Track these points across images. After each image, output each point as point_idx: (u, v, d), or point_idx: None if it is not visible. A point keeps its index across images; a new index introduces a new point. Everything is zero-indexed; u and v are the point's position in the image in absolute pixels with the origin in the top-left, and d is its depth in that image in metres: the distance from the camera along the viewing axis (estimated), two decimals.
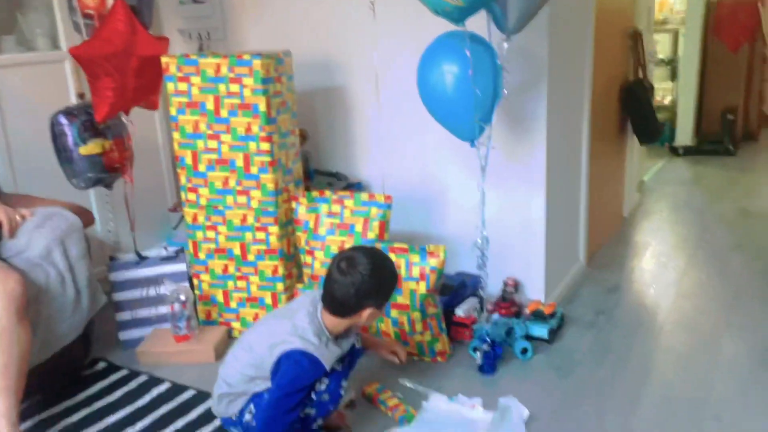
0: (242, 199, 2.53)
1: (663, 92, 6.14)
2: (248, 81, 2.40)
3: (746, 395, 2.12)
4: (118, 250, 2.96)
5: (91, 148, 2.54)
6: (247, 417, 1.86)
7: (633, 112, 3.75)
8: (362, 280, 1.74)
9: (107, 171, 2.63)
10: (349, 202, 2.49)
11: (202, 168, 2.53)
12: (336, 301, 1.78)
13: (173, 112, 2.50)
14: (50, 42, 2.92)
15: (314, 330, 1.76)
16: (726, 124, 5.56)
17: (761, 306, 2.76)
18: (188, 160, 2.54)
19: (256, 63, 2.38)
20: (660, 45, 6.17)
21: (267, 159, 2.47)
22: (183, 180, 2.57)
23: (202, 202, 2.57)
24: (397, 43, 2.66)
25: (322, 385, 1.80)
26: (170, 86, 2.48)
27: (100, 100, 2.47)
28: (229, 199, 2.54)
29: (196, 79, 2.45)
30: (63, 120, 2.51)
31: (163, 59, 2.48)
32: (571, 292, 2.96)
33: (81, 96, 2.94)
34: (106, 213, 2.93)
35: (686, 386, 2.20)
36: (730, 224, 3.82)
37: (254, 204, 2.52)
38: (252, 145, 2.47)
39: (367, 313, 1.79)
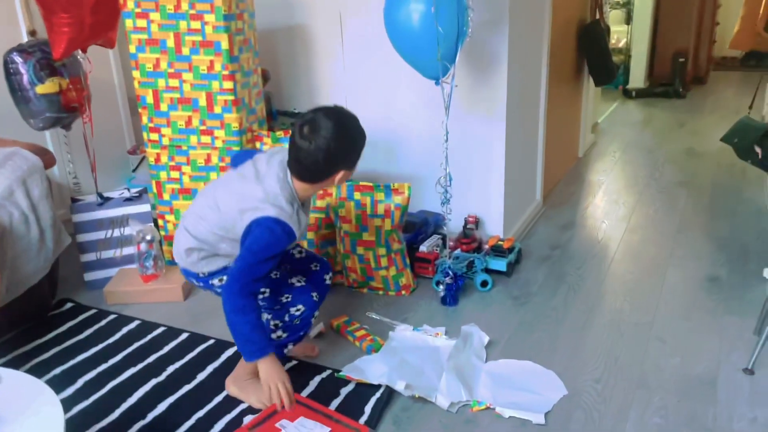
0: (206, 138, 2.53)
1: (618, 35, 6.24)
2: (210, 18, 2.36)
3: (688, 319, 2.29)
4: (78, 192, 2.93)
5: (48, 86, 2.48)
6: (215, 282, 1.84)
7: (589, 52, 3.82)
8: (329, 144, 1.63)
9: (65, 111, 2.58)
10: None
11: (164, 107, 2.50)
12: (305, 169, 1.69)
13: (132, 49, 2.45)
14: None
15: (286, 196, 1.68)
16: (677, 66, 5.71)
17: (703, 237, 2.94)
18: (149, 99, 2.50)
19: None
20: None
21: (230, 98, 2.46)
22: (144, 120, 2.54)
23: (165, 141, 2.55)
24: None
25: (296, 311, 1.87)
26: (128, 23, 2.42)
27: (57, 36, 2.40)
28: (193, 138, 2.54)
29: (155, 16, 2.40)
30: (17, 58, 2.44)
31: None
32: (528, 228, 3.08)
33: (32, 33, 2.85)
34: (64, 155, 2.88)
35: (633, 312, 2.35)
36: (678, 163, 3.99)
37: (218, 144, 2.52)
38: (215, 84, 2.45)
39: (339, 176, 1.71)
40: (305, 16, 2.91)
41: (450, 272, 2.41)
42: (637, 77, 5.87)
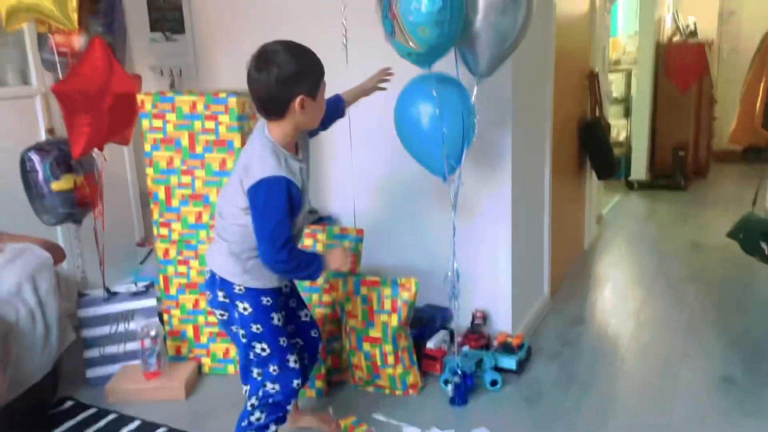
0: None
1: (618, 129, 6.39)
2: (224, 118, 2.45)
3: (705, 423, 2.22)
4: (85, 286, 2.93)
5: (63, 183, 2.54)
6: (239, 307, 1.83)
7: (591, 149, 3.91)
8: (280, 68, 1.63)
9: (78, 206, 2.62)
10: (321, 236, 2.53)
11: (175, 203, 2.55)
12: (267, 104, 1.69)
13: (147, 148, 2.53)
14: (20, 78, 2.92)
15: (268, 151, 1.70)
16: (677, 160, 5.82)
17: (714, 334, 2.89)
18: (161, 195, 2.55)
19: (232, 101, 2.43)
20: (614, 84, 6.44)
21: None
22: (156, 215, 2.58)
23: (174, 236, 2.58)
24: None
25: (272, 389, 1.89)
26: (145, 123, 2.51)
27: (77, 136, 2.48)
28: (202, 233, 2.57)
29: (171, 116, 2.48)
30: (34, 156, 2.51)
31: (139, 96, 2.51)
32: (537, 323, 3.05)
33: (51, 132, 2.94)
34: (73, 248, 2.91)
35: (648, 413, 2.28)
36: (684, 257, 3.99)
37: None
38: (225, 180, 2.49)
39: (298, 103, 1.67)
40: None
41: (458, 371, 2.36)
42: (639, 169, 5.97)
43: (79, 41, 2.49)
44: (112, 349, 2.63)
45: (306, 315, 2.10)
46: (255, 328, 1.84)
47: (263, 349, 1.87)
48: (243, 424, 1.89)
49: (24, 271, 2.25)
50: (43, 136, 2.93)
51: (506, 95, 2.58)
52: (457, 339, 2.64)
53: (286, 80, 1.66)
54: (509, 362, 2.55)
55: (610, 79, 5.30)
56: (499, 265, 2.74)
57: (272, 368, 1.88)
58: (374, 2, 2.07)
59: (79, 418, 2.38)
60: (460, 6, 1.93)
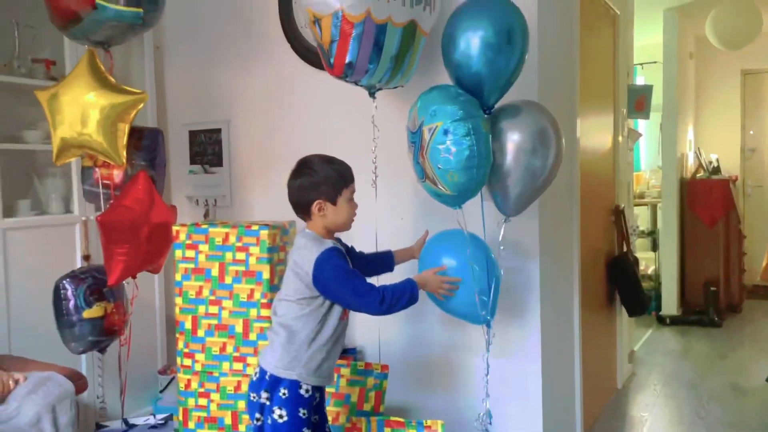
0: (238, 365, 2.52)
1: (646, 261, 6.35)
2: (254, 250, 2.50)
3: None
4: (104, 417, 2.87)
5: (95, 311, 2.57)
6: (281, 392, 1.90)
7: (620, 285, 3.87)
8: (303, 177, 1.94)
9: (106, 334, 2.63)
10: (345, 371, 2.48)
11: (200, 333, 2.54)
12: (293, 205, 1.98)
13: (178, 277, 2.57)
14: (63, 206, 3.05)
15: (311, 238, 1.94)
16: (709, 295, 5.70)
17: None
18: (188, 325, 2.56)
19: (263, 233, 2.49)
20: (640, 217, 6.48)
21: (267, 325, 2.49)
22: (180, 345, 2.57)
23: (197, 367, 2.55)
24: (396, 226, 2.80)
25: None
26: (178, 253, 2.57)
27: (114, 264, 2.54)
28: (225, 365, 2.53)
29: (204, 247, 2.54)
30: (69, 285, 2.55)
31: (174, 227, 2.59)
32: None
33: (86, 258, 3.02)
34: (95, 377, 2.88)
35: None
36: (723, 401, 3.79)
37: (249, 371, 2.51)
38: (253, 311, 2.51)
39: (316, 206, 1.92)
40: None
41: None
42: (670, 304, 5.85)
43: (120, 174, 2.62)
44: None
45: (328, 429, 2.09)
46: None
47: None
48: None
49: (45, 401, 2.22)
50: (78, 262, 3.00)
51: (533, 234, 2.60)
52: None
53: (307, 187, 1.95)
54: None
55: (635, 212, 5.35)
56: (529, 406, 2.63)
57: None
58: (406, 147, 2.17)
59: None
60: (488, 153, 2.00)
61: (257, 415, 1.94)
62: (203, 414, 2.55)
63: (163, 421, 2.64)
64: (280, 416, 1.88)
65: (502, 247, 2.23)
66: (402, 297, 1.93)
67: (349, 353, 2.94)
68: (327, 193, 1.94)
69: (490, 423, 2.25)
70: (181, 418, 2.58)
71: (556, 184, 2.82)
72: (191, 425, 2.56)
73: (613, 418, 3.55)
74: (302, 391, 1.90)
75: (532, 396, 2.61)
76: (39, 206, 3.02)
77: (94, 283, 2.64)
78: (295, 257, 1.95)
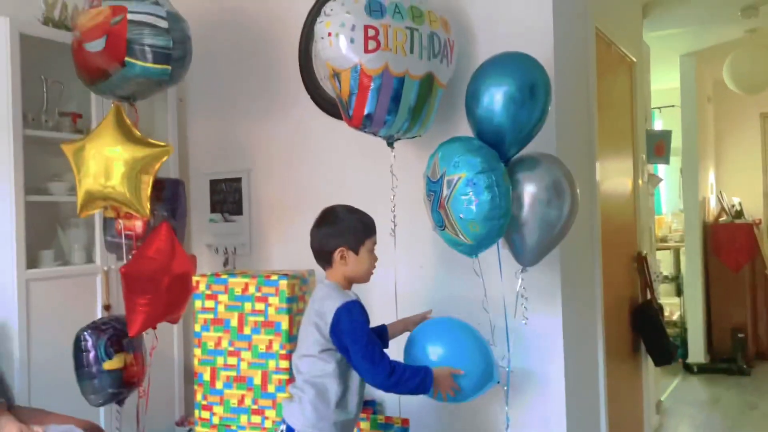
0: (257, 418, 2.49)
1: (671, 307, 6.23)
2: (273, 300, 2.49)
3: None
4: None
5: (115, 362, 2.55)
6: None
7: (645, 334, 3.79)
8: (328, 224, 1.99)
9: (125, 386, 2.61)
10: (365, 425, 2.44)
11: (219, 385, 2.52)
12: (315, 252, 2.00)
13: (197, 328, 2.56)
14: (85, 256, 3.08)
15: (334, 288, 1.96)
16: (737, 342, 5.56)
17: None
18: (206, 377, 2.54)
19: (283, 283, 2.49)
20: (663, 262, 6.39)
21: (285, 377, 2.46)
22: (199, 397, 2.55)
23: (215, 420, 2.52)
24: (415, 274, 2.79)
25: None
26: (197, 303, 2.57)
27: (136, 315, 2.55)
28: (243, 418, 2.50)
29: (223, 297, 2.54)
30: (90, 336, 2.55)
31: (195, 278, 2.59)
32: None
33: (107, 308, 3.02)
34: (113, 429, 2.85)
35: None
36: None
37: (268, 424, 2.47)
38: (271, 363, 2.49)
39: (338, 253, 1.94)
40: (362, 293, 3.02)
41: None
42: (697, 351, 5.70)
43: (138, 225, 2.64)
44: None
45: None
46: None
47: None
48: None
49: None
50: (99, 312, 3.01)
51: (554, 280, 2.57)
52: None
53: (331, 234, 1.98)
54: None
55: (658, 257, 5.28)
56: None
57: None
58: (423, 195, 2.17)
59: None
60: (508, 205, 2.01)
61: None
62: None
63: None
64: None
65: (524, 297, 2.20)
66: (412, 379, 1.90)
67: (369, 406, 2.89)
68: (350, 241, 1.97)
69: None
70: None
71: (576, 232, 2.81)
72: None
73: None
74: None
75: None
76: (62, 257, 3.05)
77: (115, 335, 2.62)
78: (316, 307, 1.95)
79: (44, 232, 3.07)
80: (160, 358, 3.19)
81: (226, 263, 3.43)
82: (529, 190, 2.06)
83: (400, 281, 2.79)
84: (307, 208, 3.19)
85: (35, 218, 2.91)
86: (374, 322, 2.93)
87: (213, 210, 3.48)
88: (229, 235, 3.42)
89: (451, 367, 1.96)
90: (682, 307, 6.08)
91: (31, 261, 2.84)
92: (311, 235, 2.02)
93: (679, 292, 6.27)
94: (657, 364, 3.92)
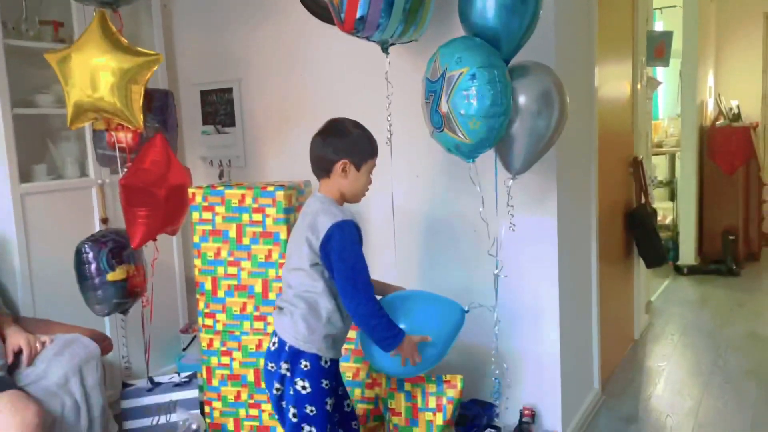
0: (259, 324, 2.55)
1: (664, 212, 6.30)
2: (271, 211, 2.50)
3: None
4: (130, 374, 2.94)
5: (118, 273, 2.59)
6: (298, 384, 1.87)
7: (638, 237, 3.84)
8: (334, 134, 1.92)
9: (129, 296, 2.66)
10: None
11: (221, 294, 2.57)
12: (315, 160, 1.95)
13: (196, 239, 2.58)
14: (79, 170, 3.05)
15: (329, 202, 1.90)
16: (727, 244, 5.66)
17: None
18: (208, 286, 2.58)
19: (279, 194, 2.48)
20: (658, 167, 6.40)
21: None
22: (201, 305, 2.60)
23: (219, 327, 2.59)
24: (412, 183, 2.79)
25: None
26: (195, 215, 2.57)
27: (136, 227, 2.56)
28: (246, 324, 2.57)
29: (220, 209, 2.54)
30: (91, 248, 2.57)
31: (190, 189, 2.59)
32: (588, 421, 2.91)
33: (104, 221, 3.03)
34: (119, 338, 2.94)
35: None
36: (742, 349, 3.80)
37: (270, 329, 2.54)
38: (271, 272, 2.53)
39: (341, 165, 1.89)
40: (359, 207, 3.03)
41: None
42: (688, 254, 5.82)
43: (130, 137, 2.61)
44: None
45: (348, 405, 2.08)
46: (309, 409, 1.87)
47: None
48: None
49: (72, 363, 2.27)
50: (97, 226, 3.03)
51: (550, 185, 2.57)
52: None
53: (338, 145, 1.91)
54: None
55: (653, 162, 5.27)
56: (547, 360, 2.65)
57: None
58: (422, 98, 2.12)
59: None
60: (509, 102, 1.97)
61: (276, 385, 1.92)
62: (226, 372, 2.60)
63: (187, 379, 2.70)
64: (304, 387, 1.87)
65: (510, 205, 2.20)
66: (385, 328, 1.86)
67: None
68: (355, 156, 1.92)
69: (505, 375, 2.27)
70: (204, 375, 2.63)
71: (574, 137, 2.80)
72: (215, 383, 2.62)
73: (630, 368, 3.58)
74: (323, 363, 1.89)
75: (550, 349, 2.63)
76: (55, 171, 3.03)
77: (116, 247, 2.65)
78: (309, 221, 1.89)
79: (36, 147, 3.03)
80: (161, 269, 3.24)
81: (221, 176, 3.41)
82: (519, 100, 2.01)
83: (396, 190, 2.79)
84: (301, 119, 3.16)
85: (25, 132, 2.86)
86: (374, 234, 2.99)
87: (205, 122, 3.43)
88: (223, 147, 3.39)
89: (421, 335, 1.94)
90: (675, 211, 6.15)
91: (25, 175, 2.82)
92: (313, 143, 1.96)
93: (672, 197, 6.31)
94: (649, 266, 4.00)
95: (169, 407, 2.60)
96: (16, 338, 2.30)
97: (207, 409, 2.64)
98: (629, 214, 3.83)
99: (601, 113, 3.15)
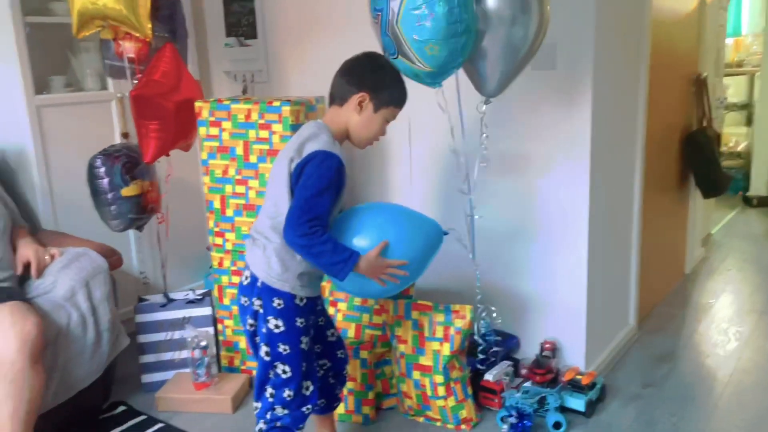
0: None
1: (736, 137, 5.79)
2: (277, 127, 2.36)
3: None
4: (151, 290, 2.96)
5: (133, 189, 2.54)
6: (270, 322, 1.73)
7: (694, 163, 3.50)
8: (365, 66, 1.75)
9: (144, 212, 2.63)
10: None
11: (229, 213, 2.50)
12: (335, 84, 1.77)
13: (204, 156, 2.49)
14: (99, 82, 2.99)
15: (325, 131, 1.72)
16: None
17: None
18: (216, 204, 2.51)
19: (285, 110, 2.34)
20: (734, 88, 5.84)
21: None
22: (211, 224, 2.54)
23: (228, 246, 2.53)
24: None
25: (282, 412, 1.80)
26: (202, 130, 2.48)
27: (148, 141, 2.49)
28: None
29: (227, 124, 2.43)
30: (103, 163, 2.52)
31: (197, 104, 2.48)
32: (616, 358, 2.74)
33: (125, 136, 2.98)
34: (136, 253, 2.94)
35: None
36: None
37: None
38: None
39: (359, 97, 1.71)
40: None
41: (514, 410, 2.14)
42: (760, 184, 5.35)
43: (141, 47, 2.50)
44: (167, 356, 2.62)
45: (333, 335, 1.98)
46: (282, 348, 1.75)
47: (284, 371, 1.77)
48: None
49: (78, 276, 2.27)
50: (117, 140, 2.98)
51: (585, 101, 2.31)
52: (521, 371, 2.43)
53: (365, 75, 1.74)
54: (577, 403, 2.29)
55: (728, 83, 4.78)
56: (572, 291, 2.47)
57: (287, 393, 1.78)
58: (369, 18, 1.86)
59: (128, 425, 2.38)
60: (472, 17, 1.69)
61: (250, 321, 1.79)
62: (236, 291, 2.55)
63: (200, 297, 2.68)
64: (277, 326, 1.73)
65: (485, 135, 1.96)
66: (330, 254, 1.63)
67: None
68: (380, 95, 1.73)
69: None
70: (217, 294, 2.61)
71: (617, 48, 2.49)
72: (226, 301, 2.59)
73: (675, 304, 3.35)
74: (297, 301, 1.74)
75: (576, 279, 2.45)
76: (75, 83, 2.98)
77: (129, 162, 2.60)
78: (297, 144, 1.70)
79: (55, 58, 2.98)
80: (186, 187, 3.21)
81: (244, 91, 3.29)
82: (487, 7, 1.72)
83: (413, 108, 2.60)
84: (324, 34, 2.97)
85: (42, 42, 2.80)
86: (392, 159, 2.83)
87: (228, 34, 3.28)
88: (245, 60, 3.24)
89: (386, 258, 1.71)
90: (751, 138, 5.63)
91: (42, 87, 2.78)
92: (342, 67, 1.76)
93: (749, 122, 5.78)
94: (705, 196, 3.67)
95: (182, 323, 2.60)
96: (26, 250, 2.31)
97: (220, 327, 2.63)
98: (686, 138, 3.48)
99: (656, 23, 2.79)
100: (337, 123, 1.76)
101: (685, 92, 3.48)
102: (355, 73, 1.74)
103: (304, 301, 1.75)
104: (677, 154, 3.46)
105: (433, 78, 1.81)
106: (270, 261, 1.71)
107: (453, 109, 1.94)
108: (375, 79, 1.73)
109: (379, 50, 1.84)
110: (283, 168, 1.70)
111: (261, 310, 1.75)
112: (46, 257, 2.32)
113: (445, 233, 1.90)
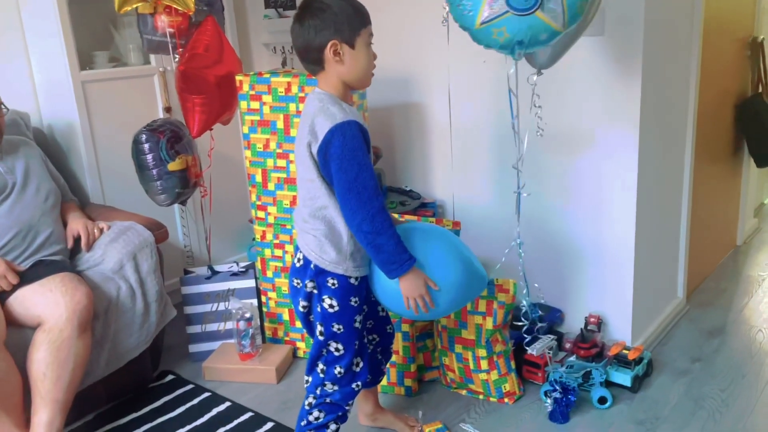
0: None
1: None
2: None
3: None
4: (191, 264, 3.01)
5: (178, 164, 2.56)
6: (325, 301, 1.72)
7: (748, 131, 3.36)
8: (312, 15, 1.60)
9: (190, 186, 2.65)
10: None
11: (271, 186, 2.51)
12: (302, 52, 1.65)
13: (245, 130, 2.50)
14: (141, 57, 3.01)
15: (328, 100, 1.63)
16: None
17: None
18: (258, 178, 2.52)
19: None
20: None
21: None
22: (253, 198, 2.56)
23: (270, 220, 2.55)
24: (477, 72, 2.51)
25: (331, 387, 1.82)
26: (243, 104, 2.47)
27: (194, 115, 2.51)
28: None
29: (267, 98, 2.42)
30: (149, 138, 2.54)
31: (237, 77, 2.47)
32: (664, 332, 2.68)
33: (168, 110, 3.01)
34: (182, 228, 2.98)
35: None
36: None
37: None
38: None
39: (330, 48, 1.60)
40: (420, 94, 2.82)
41: (558, 385, 2.12)
42: None
43: (176, 21, 2.49)
44: (213, 327, 2.68)
45: (383, 310, 1.98)
46: (336, 327, 1.75)
47: (337, 350, 1.78)
48: (302, 423, 1.83)
49: (126, 249, 2.32)
50: (161, 114, 3.01)
51: (635, 69, 2.22)
52: (565, 345, 2.40)
53: (318, 26, 1.60)
54: (623, 378, 2.25)
55: None
56: (619, 264, 2.42)
57: (338, 369, 1.79)
58: None
59: (176, 393, 2.44)
60: None
61: (303, 303, 1.78)
62: (279, 264, 2.58)
63: (244, 269, 2.72)
64: (331, 306, 1.72)
65: (539, 106, 1.90)
66: (391, 252, 1.61)
67: (429, 207, 2.82)
68: (343, 32, 1.60)
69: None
70: (259, 266, 2.63)
71: (669, 10, 2.38)
72: (269, 274, 2.61)
73: (725, 277, 3.25)
74: (352, 281, 1.72)
75: (623, 252, 2.39)
76: (118, 58, 3.01)
77: (173, 137, 2.62)
78: (309, 124, 1.63)
79: (99, 33, 3.01)
80: (229, 161, 3.23)
81: (284, 64, 3.28)
82: None
83: (455, 82, 2.55)
84: (365, 1, 2.91)
85: (86, 17, 2.82)
86: (433, 132, 2.79)
87: (267, 5, 3.26)
88: (285, 32, 3.17)
89: (429, 278, 1.67)
90: None
91: (86, 63, 2.81)
92: (293, 33, 1.65)
93: None
94: (759, 165, 3.52)
95: (227, 295, 2.64)
96: (76, 224, 2.37)
97: (264, 299, 2.66)
98: (740, 105, 3.34)
99: None
100: (332, 84, 1.67)
101: (739, 56, 3.31)
102: (308, 29, 1.61)
103: (358, 280, 1.74)
104: (730, 122, 3.32)
105: (552, 37, 1.67)
106: (323, 246, 1.69)
107: (501, 83, 1.89)
108: (326, 23, 1.60)
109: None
110: (303, 153, 1.66)
111: (315, 291, 1.74)
112: (96, 231, 2.38)
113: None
